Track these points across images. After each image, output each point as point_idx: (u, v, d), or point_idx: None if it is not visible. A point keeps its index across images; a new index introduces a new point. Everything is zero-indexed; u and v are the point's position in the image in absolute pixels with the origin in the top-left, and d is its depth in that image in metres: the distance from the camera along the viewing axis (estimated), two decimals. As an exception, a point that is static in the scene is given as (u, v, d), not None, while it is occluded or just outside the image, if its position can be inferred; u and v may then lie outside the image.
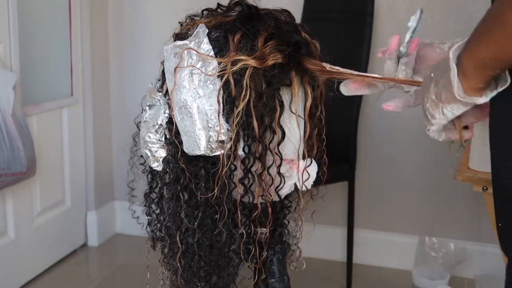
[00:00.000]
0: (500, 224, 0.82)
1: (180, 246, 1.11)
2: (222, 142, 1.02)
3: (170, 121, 1.08)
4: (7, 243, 2.20)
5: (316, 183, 1.15)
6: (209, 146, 1.03)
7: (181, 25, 1.13)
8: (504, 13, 0.68)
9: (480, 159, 1.43)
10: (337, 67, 1.04)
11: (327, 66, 1.04)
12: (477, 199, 2.30)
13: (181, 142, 1.06)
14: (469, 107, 0.80)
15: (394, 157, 2.45)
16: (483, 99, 0.77)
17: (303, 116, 1.08)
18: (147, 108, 1.12)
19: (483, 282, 2.19)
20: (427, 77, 0.85)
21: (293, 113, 1.06)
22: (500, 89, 0.76)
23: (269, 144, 1.03)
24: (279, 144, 1.04)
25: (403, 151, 2.44)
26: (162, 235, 1.17)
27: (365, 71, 2.16)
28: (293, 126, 1.07)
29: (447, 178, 2.28)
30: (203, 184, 1.06)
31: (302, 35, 1.06)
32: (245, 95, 0.99)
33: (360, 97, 2.21)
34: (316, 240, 2.40)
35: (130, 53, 2.68)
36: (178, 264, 1.12)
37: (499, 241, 0.84)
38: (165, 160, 1.10)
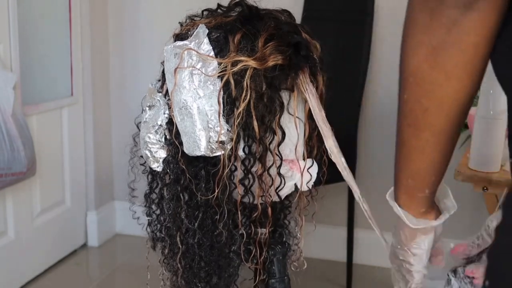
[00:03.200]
0: None
1: (180, 246, 1.11)
2: (222, 142, 1.02)
3: (170, 122, 1.07)
4: (7, 243, 2.20)
5: (316, 183, 1.15)
6: (209, 147, 1.02)
7: (181, 25, 1.13)
8: (402, 132, 0.75)
9: (480, 159, 1.42)
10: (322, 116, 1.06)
11: (312, 99, 1.05)
12: (477, 199, 2.29)
13: (181, 143, 1.05)
14: (431, 234, 0.84)
15: (394, 157, 2.44)
16: (438, 222, 0.82)
17: (303, 118, 1.08)
18: (147, 108, 1.12)
19: (483, 282, 2.18)
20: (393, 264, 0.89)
21: (291, 114, 1.06)
22: (451, 213, 0.83)
23: (269, 144, 1.03)
24: (279, 144, 1.03)
25: (403, 151, 2.43)
26: (163, 235, 1.17)
27: (365, 71, 2.17)
28: (293, 127, 1.07)
29: (447, 178, 2.28)
30: (203, 185, 1.06)
31: (302, 35, 1.06)
32: (245, 96, 0.99)
33: (360, 97, 2.20)
34: (316, 240, 2.40)
35: (130, 53, 2.68)
36: (179, 264, 1.12)
37: None
38: (165, 161, 1.10)
